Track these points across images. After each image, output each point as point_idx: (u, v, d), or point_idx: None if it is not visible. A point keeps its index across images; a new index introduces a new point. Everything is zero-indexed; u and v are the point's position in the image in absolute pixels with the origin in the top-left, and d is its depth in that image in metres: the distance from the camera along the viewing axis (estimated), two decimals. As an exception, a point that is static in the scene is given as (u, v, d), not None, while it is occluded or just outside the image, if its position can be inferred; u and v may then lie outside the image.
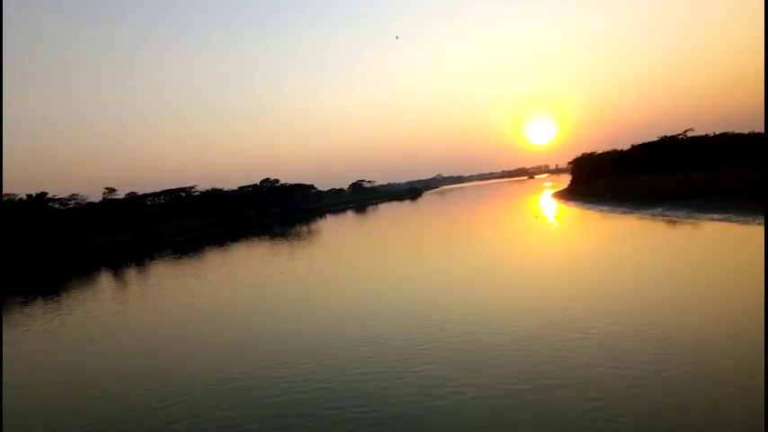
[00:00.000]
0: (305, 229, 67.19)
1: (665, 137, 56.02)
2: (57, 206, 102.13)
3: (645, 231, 25.86)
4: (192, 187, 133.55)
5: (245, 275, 28.97)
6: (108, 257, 57.39)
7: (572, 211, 41.98)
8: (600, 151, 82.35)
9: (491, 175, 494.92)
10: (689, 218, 26.74)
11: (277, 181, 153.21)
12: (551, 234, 28.72)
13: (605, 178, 56.16)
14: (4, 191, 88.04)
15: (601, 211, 37.24)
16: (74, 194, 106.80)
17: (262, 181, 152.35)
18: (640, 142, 62.46)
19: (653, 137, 60.72)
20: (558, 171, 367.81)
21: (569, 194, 56.94)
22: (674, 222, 26.44)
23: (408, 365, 10.90)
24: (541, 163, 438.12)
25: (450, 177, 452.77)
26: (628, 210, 34.18)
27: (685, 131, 54.37)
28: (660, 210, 30.45)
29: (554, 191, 75.96)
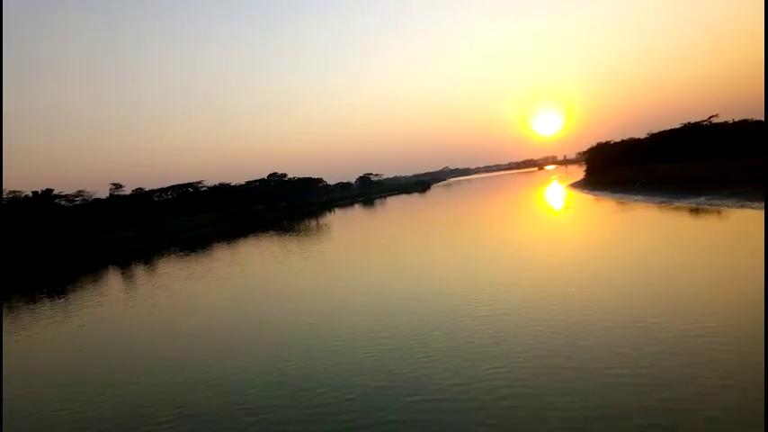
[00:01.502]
0: (315, 224, 65.46)
1: (689, 123, 53.63)
2: (63, 203, 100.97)
3: (705, 224, 23.23)
4: (200, 182, 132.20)
5: (259, 275, 27.26)
6: (115, 254, 55.94)
7: (603, 201, 39.33)
8: (614, 141, 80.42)
9: (498, 167, 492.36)
10: (741, 207, 24.63)
11: (284, 175, 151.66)
12: (602, 228, 25.99)
13: (625, 167, 53.88)
14: (10, 188, 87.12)
15: (635, 201, 34.66)
16: (80, 191, 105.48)
17: (269, 175, 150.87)
18: (655, 131, 60.14)
19: (668, 125, 58.54)
20: (566, 162, 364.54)
21: (591, 184, 54.58)
22: (728, 212, 24.02)
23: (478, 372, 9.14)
24: (548, 154, 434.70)
25: (457, 170, 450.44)
26: (665, 199, 31.79)
27: (710, 118, 51.89)
28: (703, 199, 28.21)
29: (572, 181, 73.55)
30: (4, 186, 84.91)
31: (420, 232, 37.36)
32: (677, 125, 60.12)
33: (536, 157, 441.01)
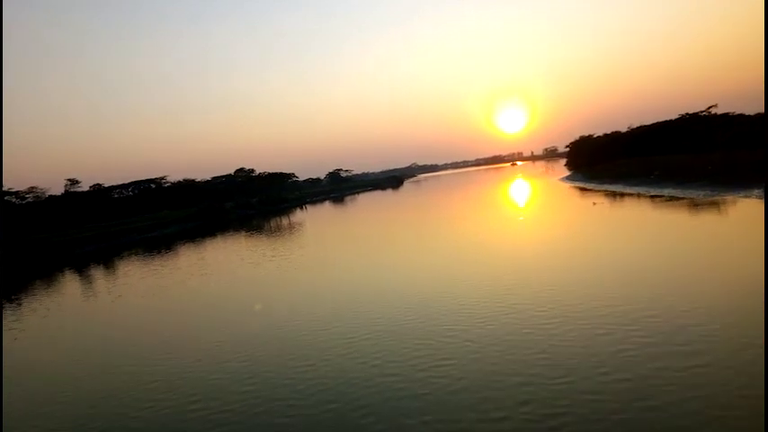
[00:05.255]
0: (289, 221, 61.70)
1: (686, 114, 52.22)
2: (13, 200, 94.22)
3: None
4: (163, 178, 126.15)
5: (238, 284, 23.75)
6: (70, 257, 51.02)
7: (624, 195, 36.50)
8: (594, 134, 79.32)
9: (465, 163, 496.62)
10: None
11: (252, 171, 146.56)
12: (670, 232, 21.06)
13: (620, 160, 52.06)
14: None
15: (672, 195, 31.42)
16: (32, 187, 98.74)
17: (236, 171, 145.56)
18: (621, 126, 59.11)
19: (640, 119, 57.03)
20: (533, 158, 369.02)
21: (590, 178, 51.93)
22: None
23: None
24: (514, 150, 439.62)
25: (425, 166, 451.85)
26: (709, 193, 28.83)
27: (709, 108, 50.59)
28: (757, 191, 25.36)
29: (563, 176, 71.29)
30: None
31: (416, 233, 34.17)
32: (666, 117, 59.11)
33: (503, 153, 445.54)
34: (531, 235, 26.26)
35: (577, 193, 44.82)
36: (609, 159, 57.16)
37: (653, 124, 59.14)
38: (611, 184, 43.80)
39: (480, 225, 32.68)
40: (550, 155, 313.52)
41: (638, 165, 44.65)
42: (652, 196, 33.15)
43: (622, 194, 37.26)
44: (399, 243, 29.18)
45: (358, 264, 23.85)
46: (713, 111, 51.41)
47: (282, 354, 11.59)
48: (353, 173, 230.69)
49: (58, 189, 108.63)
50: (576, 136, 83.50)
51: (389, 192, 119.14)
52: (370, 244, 31.07)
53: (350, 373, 9.80)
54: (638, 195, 34.89)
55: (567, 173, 75.03)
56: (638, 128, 63.81)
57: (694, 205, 26.43)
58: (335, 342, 11.78)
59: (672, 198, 30.44)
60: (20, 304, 25.30)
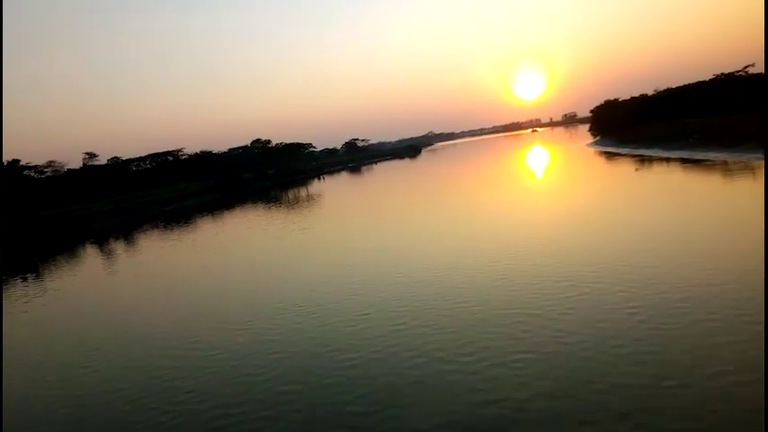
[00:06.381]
0: (308, 192, 60.46)
1: (721, 75, 49.14)
2: (33, 174, 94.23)
3: None
4: (180, 150, 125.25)
5: (270, 262, 22.61)
6: (88, 231, 50.54)
7: (664, 160, 34.18)
8: (620, 98, 76.09)
9: (482, 131, 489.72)
10: None
11: (269, 142, 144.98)
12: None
13: (653, 124, 49.44)
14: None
15: (720, 158, 28.96)
16: (51, 161, 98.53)
17: (253, 142, 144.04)
18: (648, 89, 55.91)
19: (663, 83, 54.09)
20: (552, 124, 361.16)
21: (622, 143, 49.27)
22: None
23: None
24: (532, 117, 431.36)
25: (442, 134, 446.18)
26: (762, 156, 26.02)
27: (745, 68, 47.39)
28: None
29: (589, 142, 68.41)
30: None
31: (445, 205, 32.53)
32: (693, 79, 56.08)
33: (520, 120, 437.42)
34: (593, 207, 22.84)
35: (612, 158, 42.41)
36: (638, 123, 54.45)
37: (685, 85, 56.02)
38: (647, 148, 41.35)
39: (535, 197, 29.64)
40: (570, 121, 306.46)
41: (673, 128, 42.14)
42: (697, 161, 30.97)
43: (663, 159, 34.97)
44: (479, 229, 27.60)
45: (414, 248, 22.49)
46: (750, 70, 48.35)
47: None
48: (370, 142, 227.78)
49: (76, 163, 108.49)
50: (595, 101, 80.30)
51: (407, 161, 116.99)
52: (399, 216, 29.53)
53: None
54: (682, 160, 32.62)
55: (592, 139, 72.10)
56: (667, 90, 60.71)
57: (750, 169, 24.32)
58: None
59: (726, 162, 27.98)
60: (30, 287, 24.55)
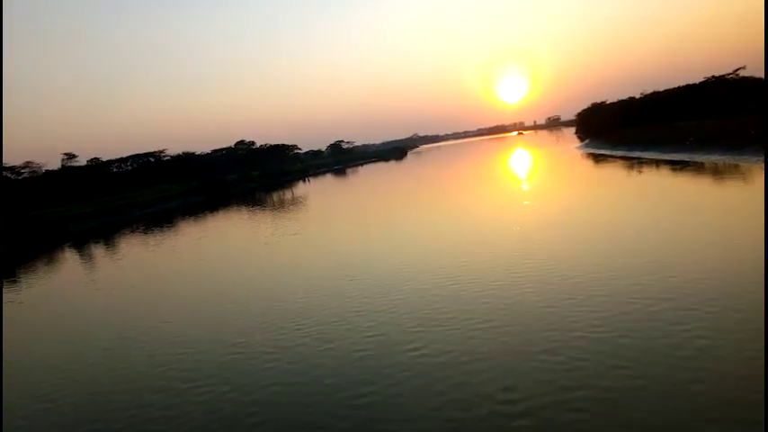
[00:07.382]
0: (294, 195, 59.37)
1: (712, 77, 49.23)
2: (9, 175, 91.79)
3: None
4: (162, 151, 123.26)
5: (263, 273, 21.62)
6: (66, 234, 48.90)
7: (662, 163, 33.44)
8: (601, 102, 76.13)
9: (466, 134, 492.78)
10: None
11: (253, 143, 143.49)
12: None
13: (643, 126, 49.26)
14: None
15: (723, 161, 28.51)
16: (28, 162, 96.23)
17: (237, 143, 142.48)
18: (635, 92, 55.96)
19: (648, 86, 53.97)
20: (536, 127, 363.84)
21: (613, 145, 48.48)
22: None
23: None
24: (516, 120, 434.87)
25: (426, 137, 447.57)
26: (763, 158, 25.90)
27: (736, 71, 47.50)
28: None
29: (577, 145, 67.89)
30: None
31: (433, 210, 31.71)
32: (680, 83, 56.28)
33: (504, 123, 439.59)
34: (606, 211, 21.26)
35: (607, 161, 41.39)
36: (626, 126, 54.39)
37: (674, 88, 56.17)
38: (642, 151, 40.76)
39: (537, 202, 27.99)
40: (553, 124, 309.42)
41: (665, 131, 41.90)
42: (698, 163, 30.58)
43: (663, 162, 34.28)
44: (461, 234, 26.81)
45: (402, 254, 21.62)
46: (740, 73, 48.45)
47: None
48: (355, 144, 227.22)
49: (54, 164, 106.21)
50: (579, 104, 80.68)
51: (393, 163, 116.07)
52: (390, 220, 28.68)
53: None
54: (682, 163, 32.05)
55: (579, 142, 71.57)
56: (654, 93, 60.86)
57: (756, 171, 23.80)
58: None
59: (731, 165, 27.50)
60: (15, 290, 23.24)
